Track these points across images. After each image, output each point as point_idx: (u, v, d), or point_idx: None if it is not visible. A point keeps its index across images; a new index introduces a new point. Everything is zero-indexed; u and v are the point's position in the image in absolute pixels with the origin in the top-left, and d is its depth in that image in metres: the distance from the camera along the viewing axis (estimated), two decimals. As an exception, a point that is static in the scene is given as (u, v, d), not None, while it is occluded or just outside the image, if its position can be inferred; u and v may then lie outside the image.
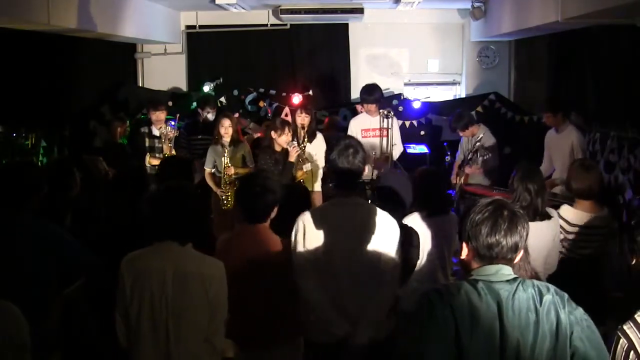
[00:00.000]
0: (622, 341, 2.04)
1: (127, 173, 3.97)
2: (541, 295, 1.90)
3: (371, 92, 5.92)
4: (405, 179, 3.70)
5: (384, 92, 6.26)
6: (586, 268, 3.79)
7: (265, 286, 2.98)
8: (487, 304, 1.87)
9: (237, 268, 2.97)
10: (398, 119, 6.65)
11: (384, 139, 5.84)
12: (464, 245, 2.00)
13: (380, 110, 5.85)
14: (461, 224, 2.01)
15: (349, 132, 6.05)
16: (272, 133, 5.46)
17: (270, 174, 3.26)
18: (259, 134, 7.63)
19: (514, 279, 1.93)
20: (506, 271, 1.94)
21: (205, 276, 2.61)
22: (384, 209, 3.09)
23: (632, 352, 2.01)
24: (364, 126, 5.99)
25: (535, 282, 1.96)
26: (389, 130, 5.80)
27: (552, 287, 1.96)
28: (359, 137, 5.95)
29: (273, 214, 3.09)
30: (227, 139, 5.75)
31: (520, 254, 1.99)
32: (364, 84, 6.18)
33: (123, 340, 2.69)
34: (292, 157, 5.38)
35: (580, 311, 1.91)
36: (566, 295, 1.94)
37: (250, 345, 3.08)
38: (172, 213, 2.63)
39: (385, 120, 5.78)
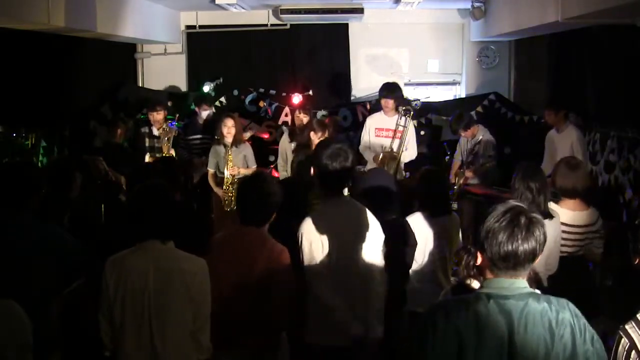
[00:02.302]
0: (624, 340, 2.04)
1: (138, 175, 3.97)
2: (557, 313, 1.82)
3: (392, 89, 5.92)
4: (390, 177, 3.71)
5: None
6: (573, 267, 3.79)
7: (248, 289, 2.93)
8: (496, 321, 1.79)
9: (225, 267, 2.94)
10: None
11: (397, 140, 5.82)
12: (478, 253, 1.92)
13: (400, 108, 5.83)
14: (475, 229, 1.92)
15: (365, 130, 6.07)
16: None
17: (270, 176, 3.23)
18: (255, 133, 7.64)
19: (528, 294, 1.84)
20: (520, 284, 1.85)
21: (187, 273, 2.62)
22: (370, 208, 3.10)
23: (633, 352, 2.01)
24: (379, 125, 5.97)
25: (552, 298, 1.87)
26: (405, 128, 5.77)
27: (570, 306, 1.87)
28: (372, 135, 5.95)
29: (272, 218, 3.05)
30: (229, 139, 5.75)
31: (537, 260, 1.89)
32: (364, 84, 6.19)
33: (107, 342, 2.70)
34: None
35: (596, 339, 1.85)
36: (584, 319, 1.86)
37: (227, 345, 3.06)
38: (150, 211, 2.65)
39: (403, 118, 5.76)
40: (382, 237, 3.02)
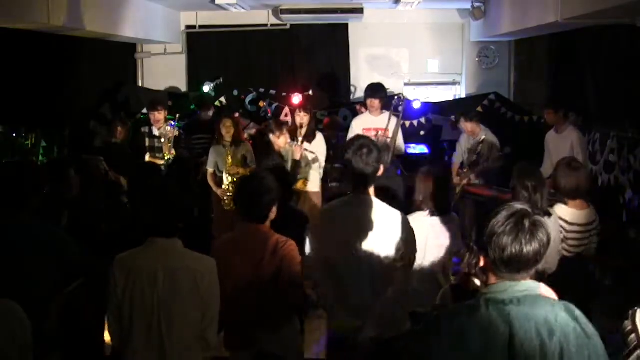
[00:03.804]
0: (627, 323, 2.09)
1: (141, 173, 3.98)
2: (555, 314, 1.81)
3: (376, 89, 5.95)
4: (398, 177, 3.71)
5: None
6: (573, 266, 3.80)
7: (259, 285, 2.97)
8: (499, 326, 1.79)
9: (233, 268, 2.97)
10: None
11: (386, 138, 5.85)
12: (481, 257, 1.91)
13: (396, 97, 5.86)
14: (478, 231, 1.90)
15: (351, 131, 6.05)
16: (271, 136, 5.42)
17: (268, 173, 3.24)
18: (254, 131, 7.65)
19: (525, 297, 1.83)
20: (521, 287, 1.84)
21: (196, 272, 2.62)
22: None
23: (633, 335, 2.07)
24: (366, 125, 5.99)
25: (550, 298, 1.86)
26: (399, 115, 5.84)
27: (569, 306, 1.86)
28: None
29: (273, 215, 3.08)
30: (228, 139, 5.76)
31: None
32: (364, 84, 6.20)
33: (116, 341, 2.70)
34: (298, 155, 5.36)
35: (594, 335, 1.83)
36: (583, 319, 1.85)
37: (242, 344, 3.08)
38: (157, 208, 2.66)
39: (395, 114, 5.83)
40: (394, 244, 2.92)
